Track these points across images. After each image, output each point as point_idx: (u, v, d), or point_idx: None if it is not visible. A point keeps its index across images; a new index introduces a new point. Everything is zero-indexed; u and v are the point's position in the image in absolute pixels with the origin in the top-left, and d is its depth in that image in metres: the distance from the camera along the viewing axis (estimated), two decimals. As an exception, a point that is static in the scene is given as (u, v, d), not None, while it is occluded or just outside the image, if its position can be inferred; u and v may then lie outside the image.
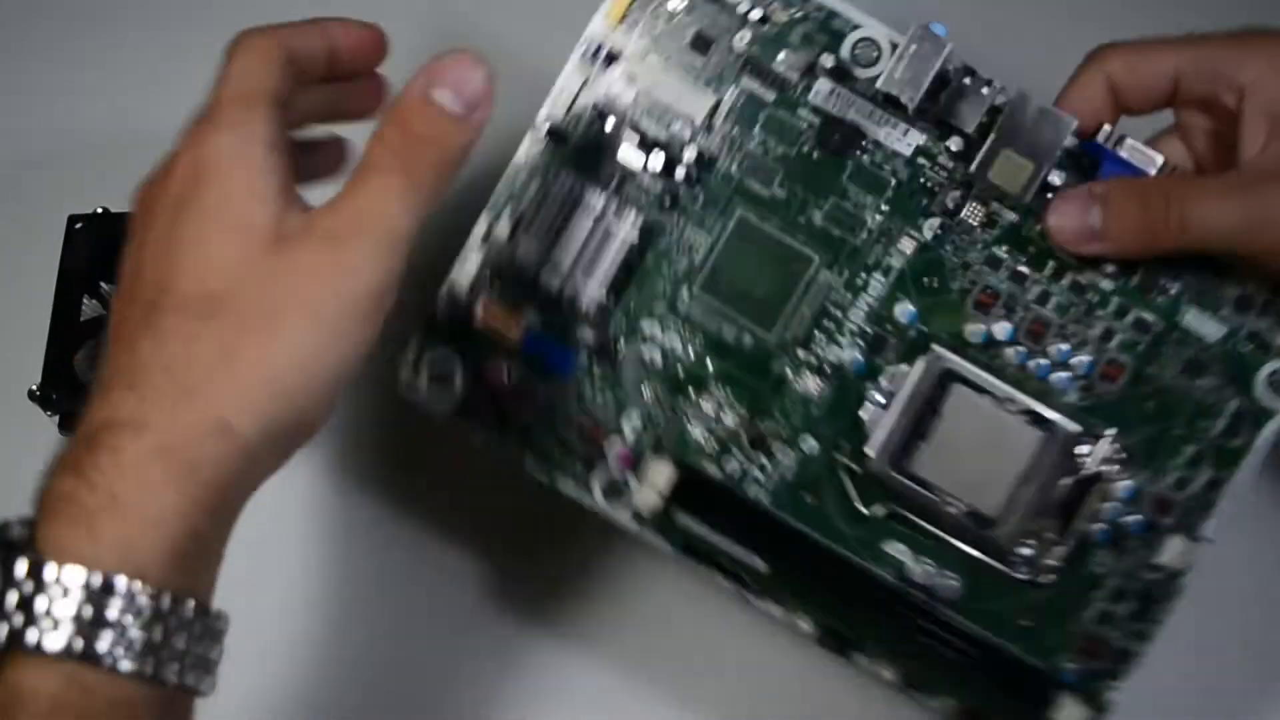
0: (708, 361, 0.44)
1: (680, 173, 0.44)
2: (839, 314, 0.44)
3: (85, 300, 0.57)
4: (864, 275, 0.44)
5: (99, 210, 0.58)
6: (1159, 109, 0.45)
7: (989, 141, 0.42)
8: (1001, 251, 0.43)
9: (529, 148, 0.44)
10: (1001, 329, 0.43)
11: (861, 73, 0.44)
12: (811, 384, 0.44)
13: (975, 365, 0.43)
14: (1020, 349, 0.43)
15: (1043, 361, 0.43)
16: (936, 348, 0.43)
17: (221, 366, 0.36)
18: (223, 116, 0.39)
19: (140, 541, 0.35)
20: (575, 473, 0.44)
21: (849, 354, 0.44)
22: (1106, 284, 0.43)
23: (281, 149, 0.39)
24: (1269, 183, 0.40)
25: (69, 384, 0.54)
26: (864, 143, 0.43)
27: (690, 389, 0.44)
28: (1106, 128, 0.43)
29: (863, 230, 0.44)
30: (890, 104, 0.43)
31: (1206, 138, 0.45)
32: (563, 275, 0.44)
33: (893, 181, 0.43)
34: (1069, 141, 0.42)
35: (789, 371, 0.44)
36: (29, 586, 0.35)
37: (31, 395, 0.54)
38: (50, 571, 0.35)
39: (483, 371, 0.44)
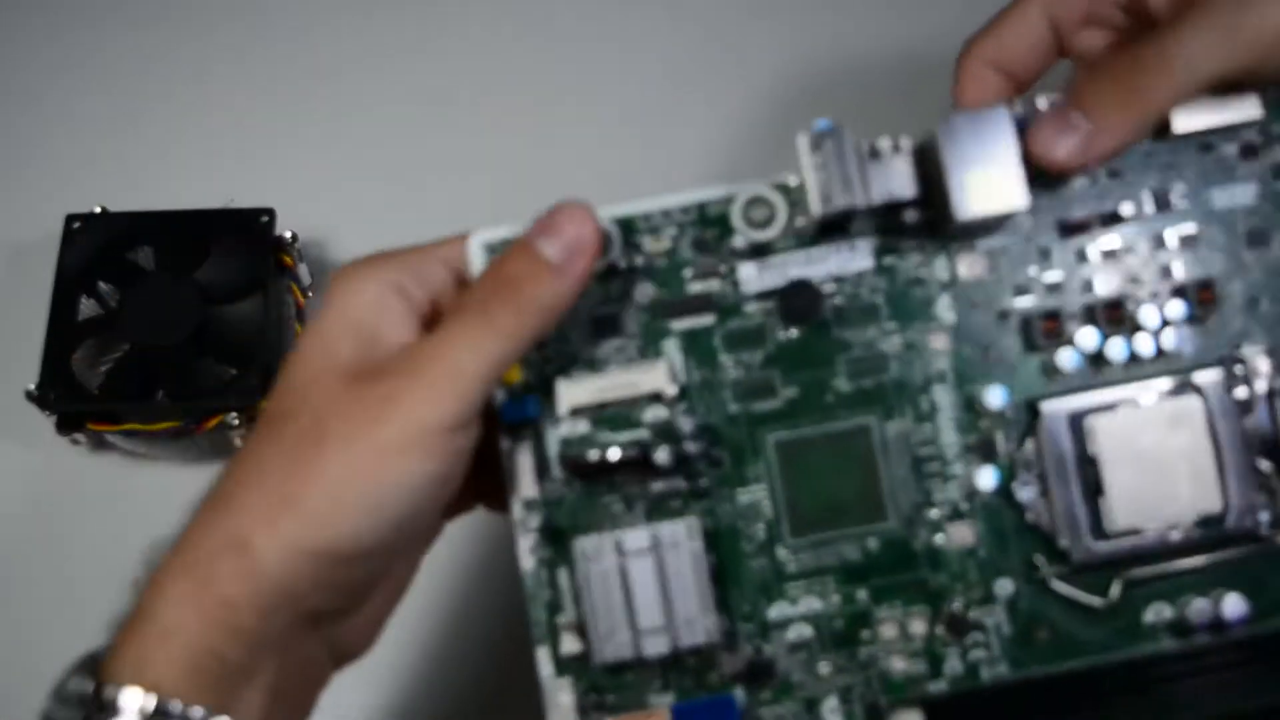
0: (855, 594, 0.39)
1: (692, 448, 0.39)
2: (933, 450, 0.39)
3: (83, 300, 0.56)
4: (925, 399, 0.39)
5: (97, 210, 0.58)
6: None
7: (947, 181, 0.37)
8: (1025, 276, 0.39)
9: (529, 552, 0.39)
10: (1085, 336, 0.39)
11: (769, 232, 0.38)
12: (962, 533, 0.39)
13: (1088, 390, 0.39)
14: (1116, 342, 0.39)
15: (1143, 336, 0.39)
16: (1043, 405, 0.39)
17: (254, 484, 0.36)
18: (369, 260, 0.38)
19: (155, 654, 0.35)
20: None
21: (973, 477, 0.39)
22: (1128, 230, 0.39)
23: (405, 292, 0.38)
24: None
25: (67, 384, 0.54)
26: (825, 288, 0.39)
27: (861, 630, 0.39)
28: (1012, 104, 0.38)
29: (890, 362, 0.39)
30: (822, 232, 0.39)
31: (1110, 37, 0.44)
32: (667, 633, 0.38)
33: (880, 298, 0.39)
34: (1011, 124, 0.37)
35: (934, 539, 0.39)
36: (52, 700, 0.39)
37: (29, 395, 0.54)
38: (73, 684, 0.37)
39: None
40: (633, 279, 0.39)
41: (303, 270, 0.59)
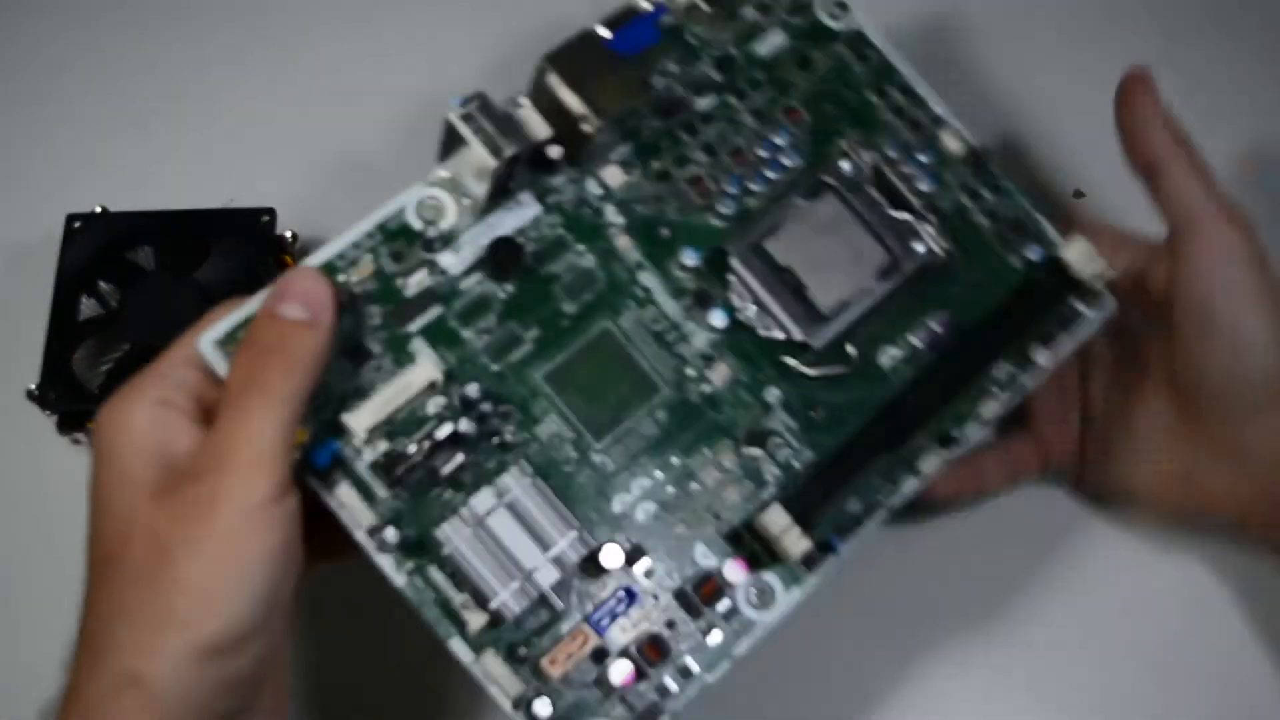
0: (670, 459, 0.45)
1: (486, 408, 0.43)
2: (665, 323, 0.46)
3: (84, 299, 0.57)
4: (637, 288, 0.46)
5: (97, 209, 0.58)
6: None
7: (566, 104, 0.44)
8: (660, 164, 0.47)
9: (395, 570, 0.42)
10: (729, 185, 0.48)
11: (448, 220, 0.44)
12: (721, 371, 0.46)
13: (754, 223, 0.48)
14: (753, 179, 0.48)
15: (766, 170, 0.48)
16: (728, 247, 0.47)
17: (120, 621, 0.37)
18: (136, 382, 0.40)
19: None
20: None
21: (708, 321, 0.46)
22: (713, 100, 0.49)
23: (175, 402, 0.40)
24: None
25: (67, 383, 0.54)
26: (512, 237, 0.45)
27: (690, 484, 0.45)
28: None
29: (595, 273, 0.46)
30: (491, 202, 0.45)
31: None
32: (552, 563, 0.43)
33: (560, 230, 0.46)
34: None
35: (703, 388, 0.46)
36: None
37: (30, 394, 0.54)
38: None
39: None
40: (358, 307, 0.43)
41: (303, 270, 0.59)
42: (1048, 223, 0.49)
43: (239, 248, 0.57)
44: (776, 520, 0.43)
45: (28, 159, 0.64)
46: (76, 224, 0.58)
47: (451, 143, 0.44)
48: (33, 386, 0.54)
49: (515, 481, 0.43)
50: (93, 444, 0.40)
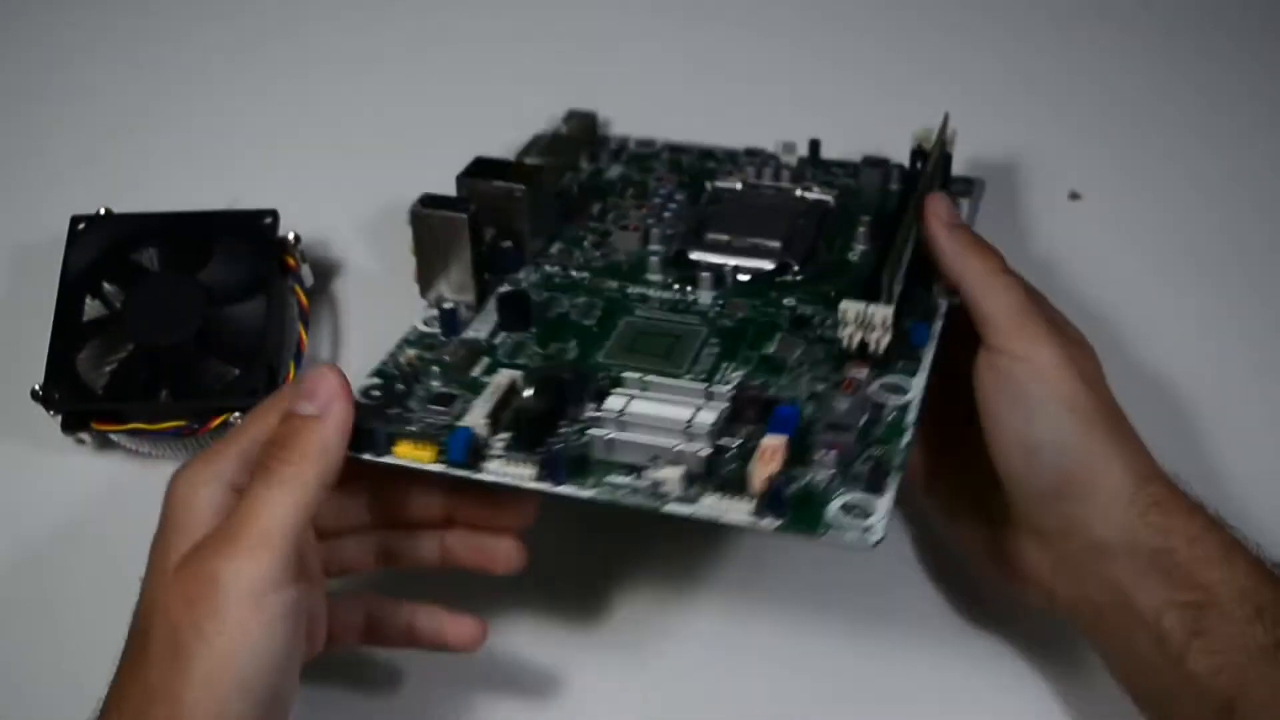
0: (755, 352, 0.49)
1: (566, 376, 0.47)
2: (674, 299, 0.52)
3: (88, 300, 0.57)
4: (634, 298, 0.52)
5: (102, 211, 0.58)
6: None
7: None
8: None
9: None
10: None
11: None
12: (737, 308, 0.52)
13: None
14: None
15: None
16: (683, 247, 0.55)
17: (145, 701, 0.40)
18: (199, 455, 0.43)
19: None
20: None
21: (708, 292, 0.53)
22: None
23: (234, 483, 0.42)
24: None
25: (72, 384, 0.55)
26: (512, 289, 0.52)
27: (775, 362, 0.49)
28: None
29: (596, 301, 0.52)
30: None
31: None
32: (688, 433, 0.45)
33: (541, 287, 0.53)
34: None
35: (734, 318, 0.51)
36: None
37: (35, 395, 0.55)
38: None
39: None
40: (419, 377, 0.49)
41: (305, 271, 0.59)
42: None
43: (242, 249, 0.57)
44: (855, 309, 0.47)
45: (32, 161, 0.64)
46: (81, 225, 0.58)
47: (426, 259, 0.51)
48: (37, 387, 0.55)
49: (630, 385, 0.47)
50: (164, 501, 0.42)
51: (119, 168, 0.64)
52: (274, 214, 0.58)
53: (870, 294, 0.47)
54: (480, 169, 0.53)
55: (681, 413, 0.44)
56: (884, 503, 0.42)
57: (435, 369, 0.49)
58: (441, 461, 0.44)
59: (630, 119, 0.65)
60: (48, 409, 0.55)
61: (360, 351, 0.60)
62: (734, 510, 0.42)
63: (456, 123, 0.64)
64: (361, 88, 0.66)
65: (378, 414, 0.46)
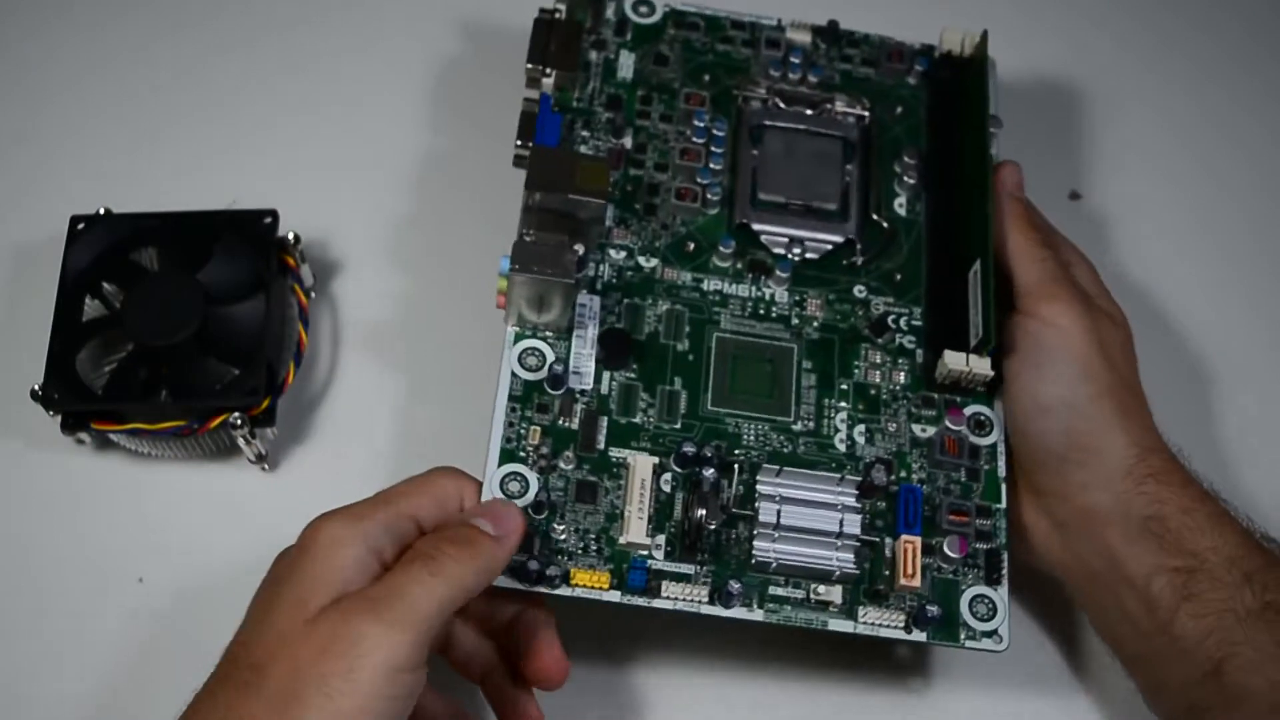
0: (847, 381, 0.53)
1: (701, 463, 0.49)
2: (750, 300, 0.54)
3: (88, 300, 0.57)
4: (711, 296, 0.54)
5: (101, 211, 0.58)
6: None
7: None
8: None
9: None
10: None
11: (550, 358, 0.51)
12: (814, 306, 0.54)
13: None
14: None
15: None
16: (742, 218, 0.55)
17: None
18: (354, 509, 0.44)
19: None
20: None
21: (779, 286, 0.54)
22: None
23: (379, 550, 0.43)
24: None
25: (71, 384, 0.55)
26: (610, 328, 0.52)
27: (867, 392, 0.53)
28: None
29: (677, 308, 0.53)
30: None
31: None
32: (840, 543, 0.49)
33: (619, 296, 0.53)
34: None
35: (814, 325, 0.53)
36: None
37: (34, 395, 0.55)
38: None
39: None
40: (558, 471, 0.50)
41: (305, 271, 0.59)
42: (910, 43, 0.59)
43: (242, 249, 0.57)
44: (957, 361, 0.51)
45: (32, 161, 0.64)
46: (80, 225, 0.58)
47: (531, 294, 0.50)
48: (37, 387, 0.55)
49: (769, 482, 0.49)
50: (297, 547, 0.43)
51: (119, 168, 0.64)
52: (274, 214, 0.58)
53: (968, 345, 0.51)
54: (544, 171, 0.51)
55: (830, 517, 0.48)
56: (1003, 600, 0.49)
57: (564, 449, 0.50)
58: (617, 589, 0.47)
59: None
60: (47, 409, 0.55)
61: (360, 351, 0.60)
62: (888, 625, 0.48)
63: (459, 119, 0.64)
64: (362, 87, 0.66)
65: (542, 547, 0.48)
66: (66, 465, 0.57)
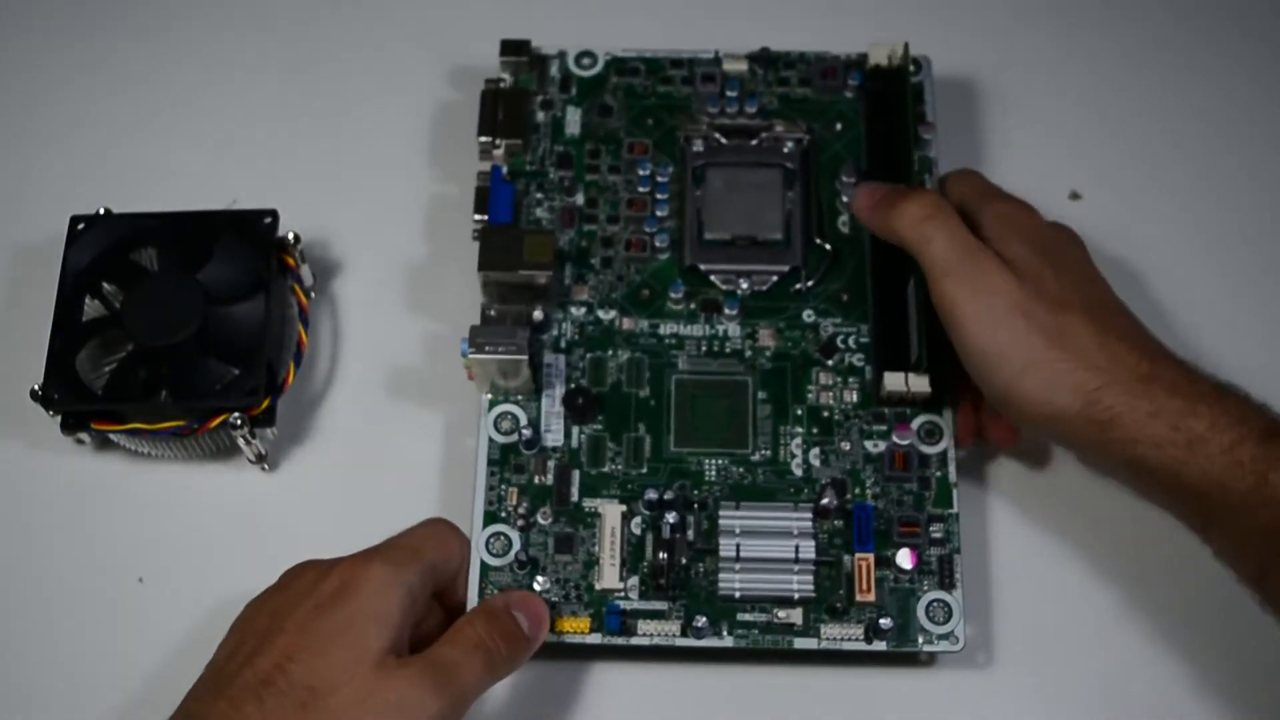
0: (801, 407, 0.55)
1: (666, 506, 0.53)
2: (705, 339, 0.57)
3: (87, 300, 0.57)
4: (667, 340, 0.57)
5: (101, 211, 0.58)
6: None
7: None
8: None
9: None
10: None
11: (523, 422, 0.55)
12: (766, 336, 0.57)
13: None
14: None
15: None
16: (691, 260, 0.58)
17: None
18: (390, 555, 0.49)
19: None
20: None
21: (731, 322, 0.57)
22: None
23: (415, 599, 0.48)
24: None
25: (71, 384, 0.55)
26: (574, 387, 0.56)
27: (820, 414, 0.56)
28: None
29: (636, 355, 0.56)
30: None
31: None
32: (798, 567, 0.52)
33: (582, 350, 0.57)
34: None
35: (766, 355, 0.56)
36: None
37: (34, 395, 0.55)
38: None
39: None
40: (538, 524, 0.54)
41: (305, 271, 0.59)
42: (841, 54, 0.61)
43: (242, 249, 0.57)
44: (895, 382, 0.53)
45: (32, 161, 0.64)
46: (80, 225, 0.58)
47: (493, 369, 0.54)
48: (37, 387, 0.55)
49: (730, 516, 0.53)
50: (343, 582, 0.47)
51: (119, 168, 0.64)
52: (274, 214, 0.58)
53: (906, 364, 0.54)
54: (493, 251, 0.55)
55: (786, 545, 0.52)
56: (958, 603, 0.51)
57: (540, 507, 0.54)
58: (598, 631, 0.51)
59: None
60: (47, 409, 0.55)
61: (360, 351, 0.60)
62: (849, 638, 0.51)
63: (459, 119, 0.64)
64: (362, 87, 0.66)
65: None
66: (66, 465, 0.57)
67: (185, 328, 0.55)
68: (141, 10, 0.68)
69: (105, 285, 0.57)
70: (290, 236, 0.58)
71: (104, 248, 0.57)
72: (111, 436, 0.56)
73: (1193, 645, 0.53)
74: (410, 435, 0.58)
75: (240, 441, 0.55)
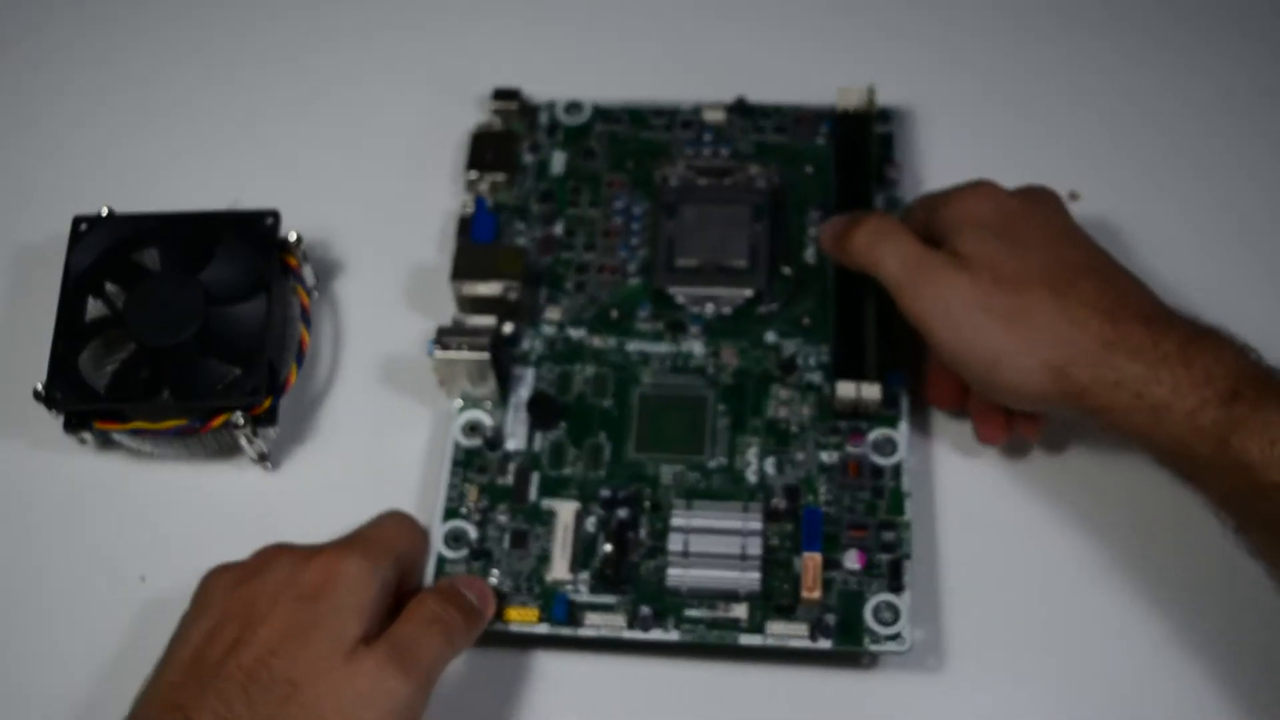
0: (760, 419, 0.56)
1: (621, 504, 0.55)
2: (670, 357, 0.58)
3: (90, 300, 0.57)
4: (634, 356, 0.58)
5: (104, 211, 0.58)
6: None
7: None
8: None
9: None
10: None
11: (489, 426, 0.57)
12: (728, 354, 0.58)
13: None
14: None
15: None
16: (660, 284, 0.60)
17: None
18: (367, 549, 0.50)
19: None
20: None
21: (695, 341, 0.58)
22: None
23: (388, 590, 0.49)
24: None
25: (74, 384, 0.55)
26: (536, 392, 0.57)
27: (777, 427, 0.56)
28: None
29: (603, 370, 0.58)
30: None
31: None
32: (744, 564, 0.53)
33: (551, 363, 0.58)
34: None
35: (728, 372, 0.58)
36: None
37: (37, 395, 0.55)
38: None
39: None
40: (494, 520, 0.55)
41: (307, 271, 0.59)
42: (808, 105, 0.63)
43: (244, 250, 0.57)
44: (847, 390, 0.55)
45: (35, 161, 0.64)
46: (83, 226, 0.58)
47: (458, 371, 0.55)
48: (39, 386, 0.55)
49: (681, 515, 0.53)
50: (322, 577, 0.48)
51: (121, 168, 0.64)
52: (275, 214, 0.58)
53: (859, 373, 0.55)
54: (466, 265, 0.57)
55: (734, 542, 0.52)
56: (905, 605, 0.51)
57: (500, 503, 0.55)
58: (546, 621, 0.52)
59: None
60: (49, 409, 0.55)
61: (361, 351, 0.60)
62: (794, 636, 0.51)
63: (459, 120, 0.64)
64: (363, 87, 0.66)
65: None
66: (69, 465, 0.57)
67: (187, 328, 0.55)
68: (143, 10, 0.68)
69: (107, 285, 0.57)
70: (292, 237, 0.58)
71: (106, 248, 0.58)
72: (114, 436, 0.56)
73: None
74: (412, 435, 0.58)
75: (242, 441, 0.55)
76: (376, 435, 0.58)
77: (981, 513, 0.56)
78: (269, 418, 0.55)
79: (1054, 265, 0.51)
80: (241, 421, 0.54)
